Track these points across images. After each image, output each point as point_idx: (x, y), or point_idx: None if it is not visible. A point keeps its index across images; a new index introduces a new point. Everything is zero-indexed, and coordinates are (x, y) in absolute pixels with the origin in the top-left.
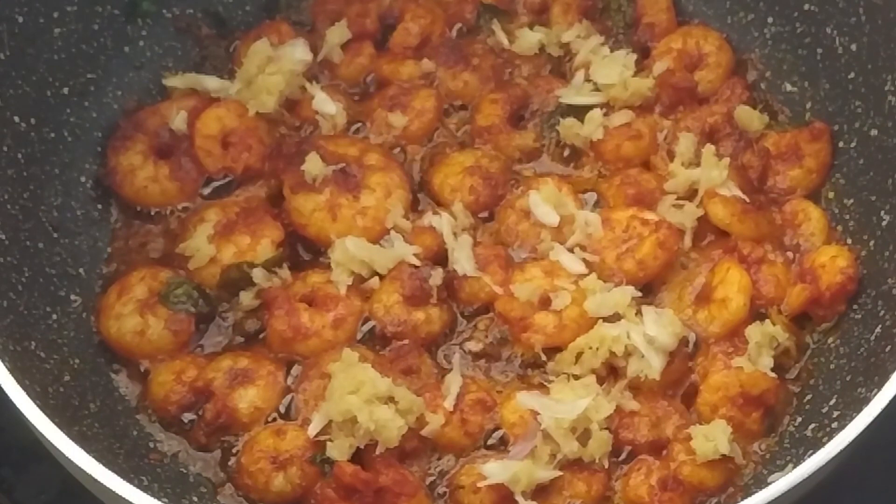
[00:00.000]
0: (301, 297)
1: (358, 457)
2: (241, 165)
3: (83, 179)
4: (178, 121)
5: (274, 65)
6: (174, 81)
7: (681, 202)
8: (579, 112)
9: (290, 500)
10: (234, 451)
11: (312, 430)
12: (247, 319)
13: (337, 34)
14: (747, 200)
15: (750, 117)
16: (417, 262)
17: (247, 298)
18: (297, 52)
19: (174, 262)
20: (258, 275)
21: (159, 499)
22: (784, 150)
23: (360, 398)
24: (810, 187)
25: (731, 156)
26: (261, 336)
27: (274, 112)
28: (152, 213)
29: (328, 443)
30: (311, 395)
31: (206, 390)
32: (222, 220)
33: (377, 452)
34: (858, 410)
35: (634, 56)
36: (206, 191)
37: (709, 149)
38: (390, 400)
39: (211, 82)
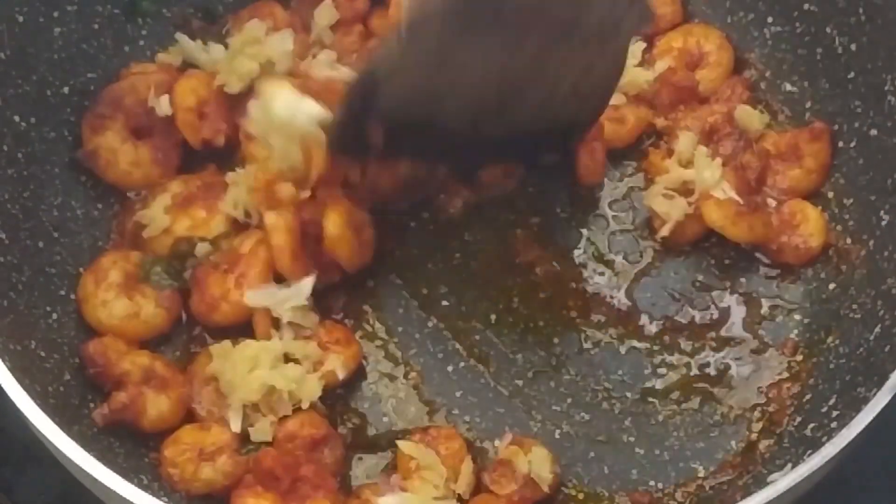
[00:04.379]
0: (223, 268)
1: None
2: (220, 136)
3: (83, 179)
4: (163, 104)
5: (256, 48)
6: (168, 58)
7: (671, 192)
8: None
9: (220, 490)
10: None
11: (235, 425)
12: None
13: (325, 16)
14: (741, 202)
15: (750, 117)
16: None
17: (187, 274)
18: (285, 44)
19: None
20: (201, 249)
21: (159, 498)
22: (783, 151)
23: (264, 369)
24: (810, 188)
25: (731, 155)
26: None
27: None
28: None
29: (250, 429)
30: (208, 403)
31: (121, 380)
32: (183, 192)
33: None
34: (858, 410)
35: (643, 45)
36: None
37: (700, 150)
38: (289, 359)
39: (201, 53)
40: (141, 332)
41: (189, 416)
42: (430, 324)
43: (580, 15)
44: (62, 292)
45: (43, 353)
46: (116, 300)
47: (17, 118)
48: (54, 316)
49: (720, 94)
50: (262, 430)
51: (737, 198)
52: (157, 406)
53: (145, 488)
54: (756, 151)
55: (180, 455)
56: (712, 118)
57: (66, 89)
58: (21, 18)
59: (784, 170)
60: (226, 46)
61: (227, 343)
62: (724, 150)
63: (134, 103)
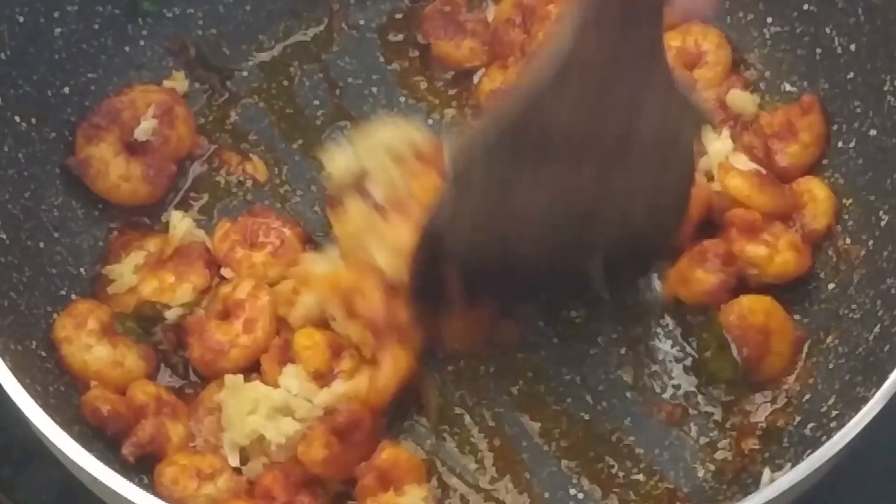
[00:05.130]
0: (216, 315)
1: None
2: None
3: None
4: (142, 130)
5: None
6: (172, 84)
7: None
8: None
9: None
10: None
11: (232, 460)
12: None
13: None
14: (764, 172)
15: (743, 100)
16: None
17: (158, 334)
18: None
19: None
20: (171, 315)
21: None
22: (778, 129)
23: (260, 416)
24: (810, 161)
25: (732, 139)
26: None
27: None
28: None
29: (243, 468)
30: (208, 433)
31: (140, 413)
32: (157, 253)
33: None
34: (857, 410)
35: None
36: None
37: (704, 130)
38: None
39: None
40: (124, 381)
41: None
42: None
43: (630, 135)
44: (62, 292)
45: (43, 353)
46: (99, 345)
47: (17, 118)
48: (54, 316)
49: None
50: (254, 468)
51: (758, 167)
52: (177, 433)
53: (145, 488)
54: (754, 131)
55: (181, 472)
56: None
57: (66, 89)
58: (21, 19)
59: (782, 148)
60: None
61: (239, 378)
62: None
63: (130, 118)
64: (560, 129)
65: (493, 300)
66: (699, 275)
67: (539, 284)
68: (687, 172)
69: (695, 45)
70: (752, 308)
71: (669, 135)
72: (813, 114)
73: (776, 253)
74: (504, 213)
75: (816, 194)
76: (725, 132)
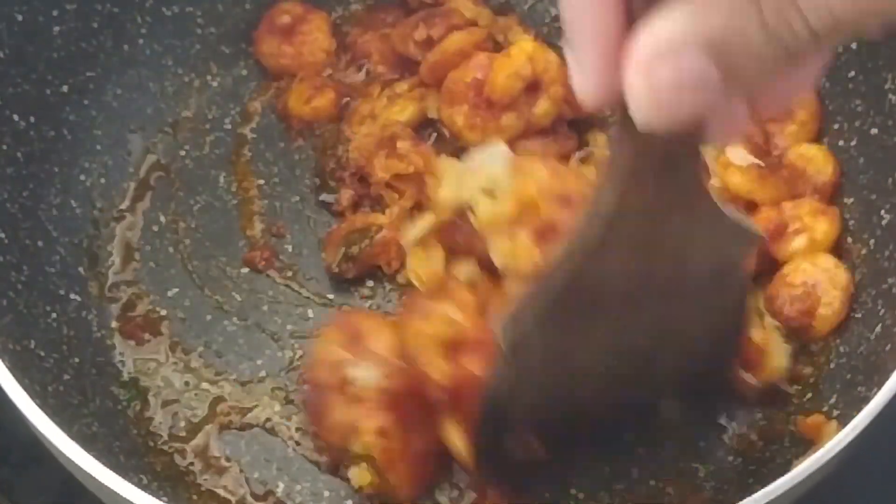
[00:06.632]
0: None
1: None
2: None
3: (83, 178)
4: None
5: None
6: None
7: None
8: None
9: None
10: None
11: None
12: None
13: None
14: (762, 165)
15: None
16: None
17: None
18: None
19: None
20: None
21: (159, 498)
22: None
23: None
24: (810, 137)
25: None
26: None
27: None
28: None
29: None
30: None
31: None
32: None
33: None
34: (858, 410)
35: None
36: None
37: None
38: None
39: None
40: None
41: None
42: None
43: (683, 271)
44: (62, 292)
45: (43, 353)
46: None
47: (16, 117)
48: (53, 315)
49: None
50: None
51: (756, 160)
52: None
53: (145, 488)
54: (753, 122)
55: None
56: None
57: (65, 88)
58: (20, 17)
59: (780, 130)
60: None
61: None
62: None
63: None
64: (612, 282)
65: (560, 450)
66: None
67: (605, 426)
68: (742, 290)
69: None
70: None
71: (722, 259)
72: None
73: (811, 230)
74: (565, 372)
75: (807, 153)
76: None
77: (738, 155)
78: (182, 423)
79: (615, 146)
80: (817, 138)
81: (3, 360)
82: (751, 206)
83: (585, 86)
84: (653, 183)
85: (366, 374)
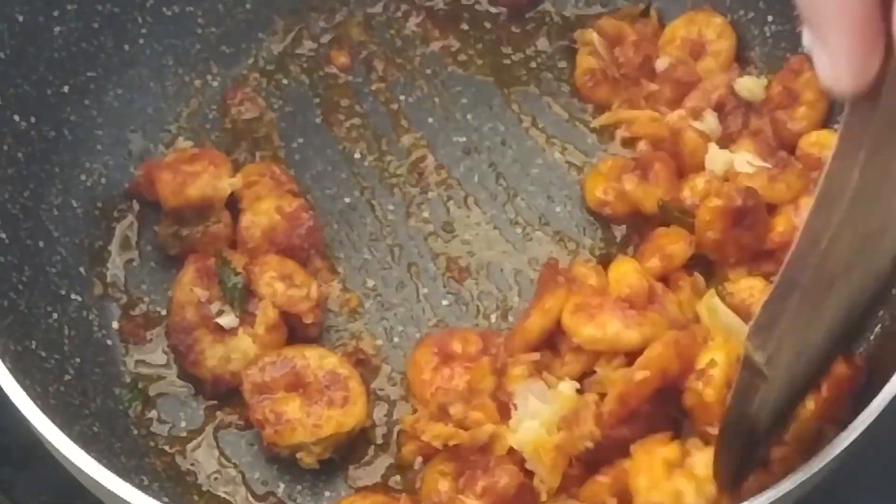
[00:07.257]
0: None
1: None
2: None
3: (83, 178)
4: None
5: None
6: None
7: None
8: None
9: None
10: None
11: None
12: None
13: None
14: (770, 166)
15: (751, 87)
16: None
17: None
18: None
19: None
20: None
21: (159, 499)
22: (779, 100)
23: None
24: (821, 117)
25: (743, 126)
26: None
27: None
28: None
29: None
30: None
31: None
32: None
33: None
34: (858, 410)
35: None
36: None
37: (711, 146)
38: None
39: None
40: None
41: None
42: None
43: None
44: (62, 292)
45: (43, 354)
46: None
47: (16, 117)
48: (54, 316)
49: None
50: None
51: (763, 164)
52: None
53: (145, 489)
54: (763, 115)
55: None
56: (716, 93)
57: (66, 88)
58: (21, 17)
59: (790, 116)
60: None
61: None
62: (733, 125)
63: None
64: (844, 254)
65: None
66: None
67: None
68: None
69: (699, 35)
70: None
71: None
72: (806, 71)
73: None
74: (803, 362)
75: (820, 140)
76: (713, 143)
77: (743, 162)
78: (183, 424)
79: (856, 123)
80: (828, 120)
81: (4, 361)
82: (770, 209)
83: (840, 72)
84: (883, 149)
85: None
